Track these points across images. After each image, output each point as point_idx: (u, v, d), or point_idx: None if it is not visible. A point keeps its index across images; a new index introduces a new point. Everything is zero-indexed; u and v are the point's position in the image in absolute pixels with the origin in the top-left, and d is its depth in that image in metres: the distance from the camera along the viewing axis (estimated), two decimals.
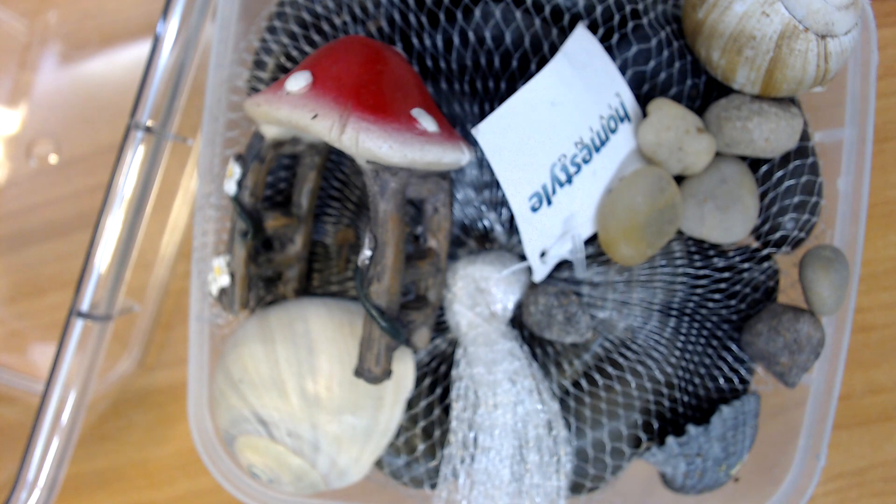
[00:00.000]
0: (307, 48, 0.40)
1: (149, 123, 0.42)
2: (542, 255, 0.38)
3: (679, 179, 0.38)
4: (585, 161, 0.37)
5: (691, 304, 0.40)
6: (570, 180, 0.37)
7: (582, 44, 0.36)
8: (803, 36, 0.34)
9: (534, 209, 0.36)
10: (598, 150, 0.37)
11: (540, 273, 0.38)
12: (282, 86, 0.34)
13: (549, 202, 0.37)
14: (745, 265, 0.40)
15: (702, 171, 0.38)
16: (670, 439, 0.39)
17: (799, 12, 0.34)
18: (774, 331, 0.38)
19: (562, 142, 0.36)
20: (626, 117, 0.38)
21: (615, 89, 0.37)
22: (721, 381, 0.41)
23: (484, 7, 0.38)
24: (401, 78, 0.35)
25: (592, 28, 0.38)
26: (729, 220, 0.37)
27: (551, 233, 0.37)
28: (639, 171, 0.37)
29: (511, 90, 0.39)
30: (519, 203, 0.36)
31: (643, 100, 0.38)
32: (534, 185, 0.36)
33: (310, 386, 0.37)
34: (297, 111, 0.33)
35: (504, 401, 0.38)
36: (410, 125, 0.33)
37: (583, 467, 0.40)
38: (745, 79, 0.37)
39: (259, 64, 0.41)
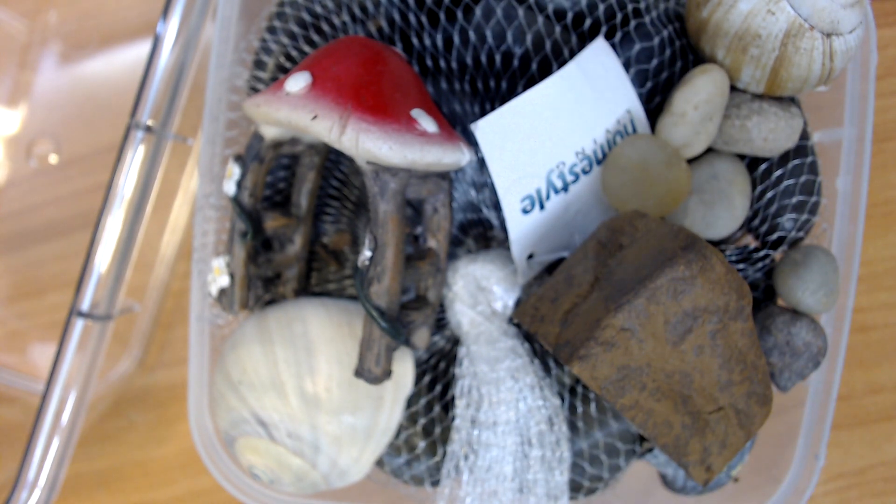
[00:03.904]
0: (307, 48, 0.40)
1: (149, 123, 0.42)
2: (531, 256, 0.38)
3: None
4: (585, 172, 0.37)
5: None
6: (566, 188, 0.37)
7: (599, 57, 0.36)
8: (809, 34, 0.34)
9: (525, 211, 0.36)
10: (599, 162, 0.37)
11: (524, 275, 0.38)
12: (281, 86, 0.34)
13: (542, 207, 0.37)
14: (741, 265, 0.40)
15: (695, 165, 0.38)
16: None
17: (805, 10, 0.34)
18: (766, 330, 0.38)
19: (562, 149, 0.36)
20: (634, 134, 0.38)
21: (627, 106, 0.37)
22: None
23: (485, 5, 0.38)
24: (400, 78, 0.35)
25: (595, 27, 0.38)
26: (712, 215, 0.37)
27: (541, 237, 0.38)
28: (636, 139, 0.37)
29: (512, 89, 0.39)
30: (509, 203, 0.36)
31: (646, 97, 0.38)
32: (527, 187, 0.36)
33: (309, 387, 0.37)
34: (297, 112, 0.33)
35: (506, 398, 0.38)
36: (410, 126, 0.33)
37: (582, 467, 0.40)
38: (749, 77, 0.37)
39: (259, 64, 0.41)
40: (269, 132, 0.37)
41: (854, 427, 0.49)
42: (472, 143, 0.38)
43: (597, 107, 0.37)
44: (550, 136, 0.36)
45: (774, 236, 0.39)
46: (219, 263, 0.39)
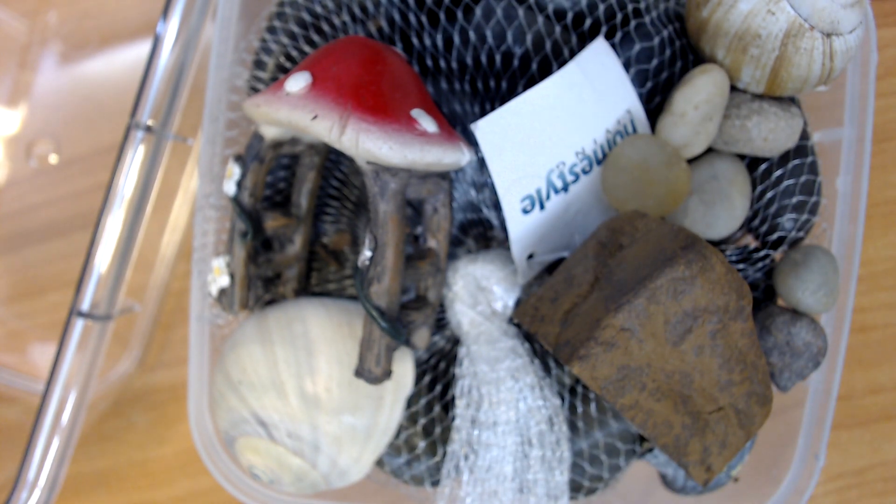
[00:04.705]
0: (307, 48, 0.40)
1: (149, 123, 0.42)
2: (531, 256, 0.38)
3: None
4: (585, 172, 0.37)
5: None
6: (566, 188, 0.37)
7: (599, 56, 0.36)
8: (809, 34, 0.34)
9: (525, 211, 0.36)
10: (599, 162, 0.37)
11: (524, 275, 0.38)
12: (281, 86, 0.34)
13: (542, 207, 0.37)
14: (741, 265, 0.40)
15: (695, 165, 0.38)
16: None
17: (805, 10, 0.34)
18: (766, 330, 0.38)
19: (562, 149, 0.36)
20: (634, 134, 0.38)
21: (627, 106, 0.37)
22: None
23: (485, 5, 0.38)
24: (401, 78, 0.35)
25: (595, 27, 0.38)
26: (712, 215, 0.37)
27: (541, 237, 0.38)
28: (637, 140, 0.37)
29: (512, 89, 0.39)
30: (510, 203, 0.36)
31: (646, 97, 0.38)
32: (527, 187, 0.36)
33: (309, 387, 0.37)
34: (297, 112, 0.33)
35: (507, 398, 0.38)
36: (410, 126, 0.33)
37: (582, 467, 0.40)
38: (749, 77, 0.37)
39: (259, 64, 0.41)
40: (269, 132, 0.37)
41: (854, 427, 0.49)
42: (472, 143, 0.38)
43: (597, 107, 0.37)
44: (550, 136, 0.36)
45: (774, 236, 0.39)
46: (219, 263, 0.39)
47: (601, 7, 0.38)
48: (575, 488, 0.40)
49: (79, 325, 0.42)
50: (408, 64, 0.37)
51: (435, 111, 0.35)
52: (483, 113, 0.39)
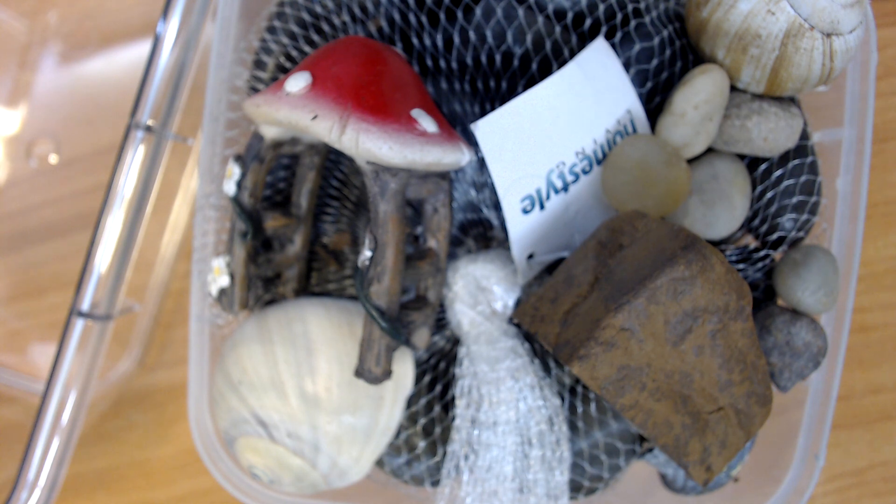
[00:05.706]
0: (307, 48, 0.40)
1: (149, 123, 0.42)
2: (531, 256, 0.38)
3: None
4: (585, 172, 0.37)
5: None
6: (566, 188, 0.37)
7: (599, 56, 0.36)
8: (809, 34, 0.34)
9: (525, 211, 0.36)
10: (599, 162, 0.37)
11: (524, 275, 0.38)
12: (281, 86, 0.34)
13: (542, 207, 0.37)
14: (741, 265, 0.40)
15: (695, 165, 0.38)
16: None
17: (805, 10, 0.34)
18: (766, 330, 0.38)
19: (562, 149, 0.36)
20: (634, 134, 0.38)
21: (627, 105, 0.37)
22: None
23: (485, 5, 0.38)
24: (400, 78, 0.35)
25: (595, 27, 0.38)
26: (713, 215, 0.37)
27: (541, 237, 0.38)
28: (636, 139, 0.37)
29: (512, 89, 0.39)
30: (510, 203, 0.36)
31: (646, 97, 0.38)
32: (527, 187, 0.36)
33: (309, 387, 0.37)
34: (297, 112, 0.33)
35: (507, 398, 0.38)
36: (410, 126, 0.33)
37: (582, 467, 0.40)
38: (749, 77, 0.37)
39: (259, 64, 0.41)
40: (269, 132, 0.37)
41: (854, 427, 0.49)
42: (472, 143, 0.38)
43: (597, 107, 0.37)
44: (550, 136, 0.36)
45: (774, 236, 0.39)
46: (219, 263, 0.39)
47: (601, 7, 0.38)
48: (575, 488, 0.41)
49: (79, 325, 0.42)
50: (408, 64, 0.37)
51: (435, 111, 0.35)
52: (483, 113, 0.39)
